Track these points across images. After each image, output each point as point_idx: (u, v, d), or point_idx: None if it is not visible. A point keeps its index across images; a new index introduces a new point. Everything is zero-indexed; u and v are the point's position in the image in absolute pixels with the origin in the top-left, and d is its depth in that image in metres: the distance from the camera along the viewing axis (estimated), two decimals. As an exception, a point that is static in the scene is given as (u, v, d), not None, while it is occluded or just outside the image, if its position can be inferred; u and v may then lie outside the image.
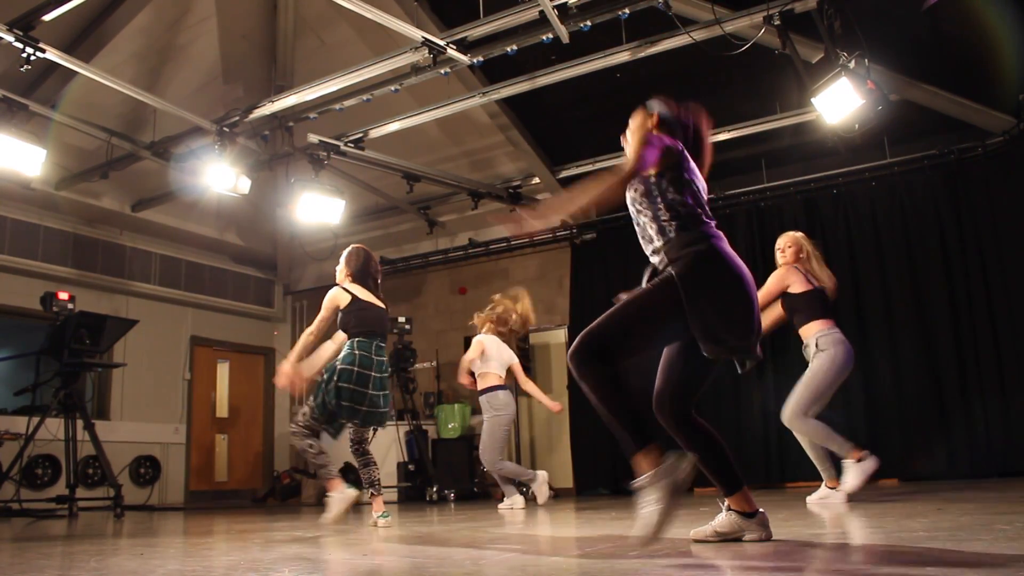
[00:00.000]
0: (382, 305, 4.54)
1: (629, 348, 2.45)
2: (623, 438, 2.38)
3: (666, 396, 2.57)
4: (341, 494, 4.18)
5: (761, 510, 2.55)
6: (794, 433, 4.54)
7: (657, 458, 2.33)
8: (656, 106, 2.78)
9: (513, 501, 5.89)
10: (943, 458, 6.64)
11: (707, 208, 2.62)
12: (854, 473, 4.29)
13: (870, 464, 4.27)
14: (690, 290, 2.40)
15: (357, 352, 4.27)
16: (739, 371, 2.63)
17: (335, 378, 4.21)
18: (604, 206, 2.44)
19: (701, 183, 2.67)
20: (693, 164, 2.66)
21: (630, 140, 2.76)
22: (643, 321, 2.46)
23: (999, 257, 6.71)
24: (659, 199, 2.56)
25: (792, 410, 4.38)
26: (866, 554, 2.18)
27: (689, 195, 2.56)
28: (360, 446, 4.47)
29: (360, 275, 4.52)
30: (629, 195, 2.65)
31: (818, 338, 4.42)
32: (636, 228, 2.68)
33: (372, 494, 4.43)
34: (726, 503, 2.56)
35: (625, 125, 2.85)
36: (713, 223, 2.59)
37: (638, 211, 2.63)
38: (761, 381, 7.34)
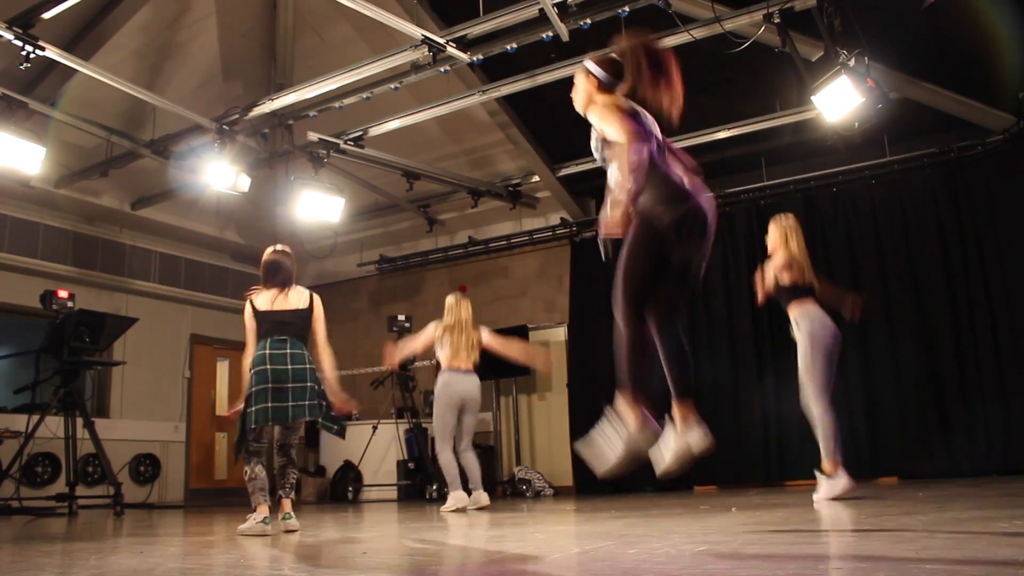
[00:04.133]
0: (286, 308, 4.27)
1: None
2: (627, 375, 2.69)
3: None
4: (257, 521, 3.84)
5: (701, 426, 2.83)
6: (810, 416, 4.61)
7: (640, 411, 2.66)
8: (594, 69, 3.01)
9: (456, 499, 5.57)
10: (943, 458, 6.64)
11: (651, 141, 2.88)
12: (826, 487, 4.36)
13: (840, 484, 4.32)
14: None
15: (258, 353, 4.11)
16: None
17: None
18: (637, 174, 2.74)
19: (647, 123, 2.94)
20: (645, 118, 2.95)
21: (590, 114, 2.99)
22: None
23: (999, 255, 6.70)
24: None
25: (812, 395, 4.49)
26: (866, 552, 2.18)
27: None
28: (283, 446, 4.20)
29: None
30: (598, 151, 3.01)
31: (797, 317, 4.62)
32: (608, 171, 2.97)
33: (280, 496, 4.11)
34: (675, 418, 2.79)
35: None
36: (658, 156, 2.86)
37: (606, 160, 2.97)
38: (761, 382, 7.35)
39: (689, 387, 2.85)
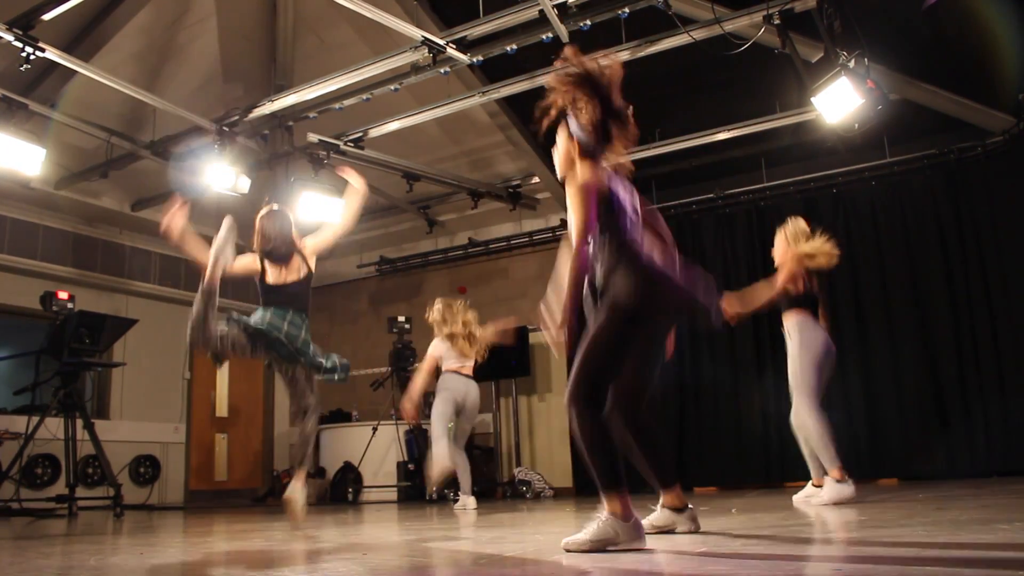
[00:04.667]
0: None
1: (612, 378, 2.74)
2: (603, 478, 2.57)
3: (620, 398, 2.84)
4: None
5: (691, 505, 2.97)
6: (797, 431, 4.56)
7: (625, 508, 2.53)
8: (576, 130, 2.78)
9: (465, 502, 5.94)
10: (943, 458, 6.64)
11: (632, 218, 2.76)
12: (831, 491, 4.24)
13: (848, 490, 4.23)
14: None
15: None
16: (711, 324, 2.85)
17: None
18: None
19: (626, 197, 2.80)
20: (618, 185, 2.79)
21: (568, 185, 2.77)
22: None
23: (999, 256, 6.71)
24: (606, 240, 2.72)
25: (803, 403, 4.40)
26: (866, 553, 2.18)
27: (622, 224, 2.72)
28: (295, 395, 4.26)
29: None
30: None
31: (790, 327, 4.57)
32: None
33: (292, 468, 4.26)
34: (660, 502, 2.97)
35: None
36: (638, 235, 2.75)
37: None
38: (761, 381, 7.34)
39: (672, 475, 2.96)
